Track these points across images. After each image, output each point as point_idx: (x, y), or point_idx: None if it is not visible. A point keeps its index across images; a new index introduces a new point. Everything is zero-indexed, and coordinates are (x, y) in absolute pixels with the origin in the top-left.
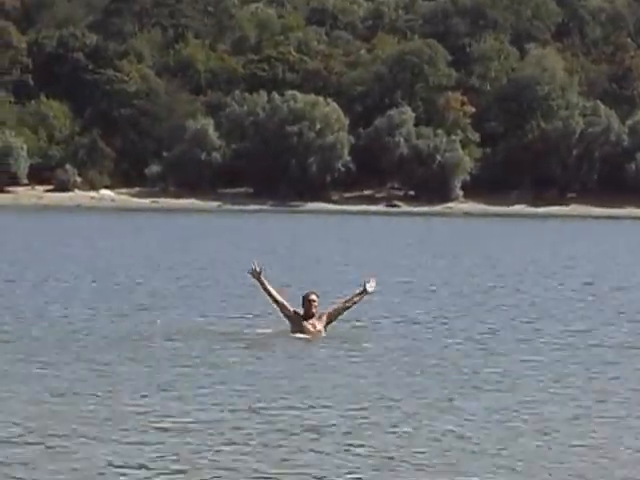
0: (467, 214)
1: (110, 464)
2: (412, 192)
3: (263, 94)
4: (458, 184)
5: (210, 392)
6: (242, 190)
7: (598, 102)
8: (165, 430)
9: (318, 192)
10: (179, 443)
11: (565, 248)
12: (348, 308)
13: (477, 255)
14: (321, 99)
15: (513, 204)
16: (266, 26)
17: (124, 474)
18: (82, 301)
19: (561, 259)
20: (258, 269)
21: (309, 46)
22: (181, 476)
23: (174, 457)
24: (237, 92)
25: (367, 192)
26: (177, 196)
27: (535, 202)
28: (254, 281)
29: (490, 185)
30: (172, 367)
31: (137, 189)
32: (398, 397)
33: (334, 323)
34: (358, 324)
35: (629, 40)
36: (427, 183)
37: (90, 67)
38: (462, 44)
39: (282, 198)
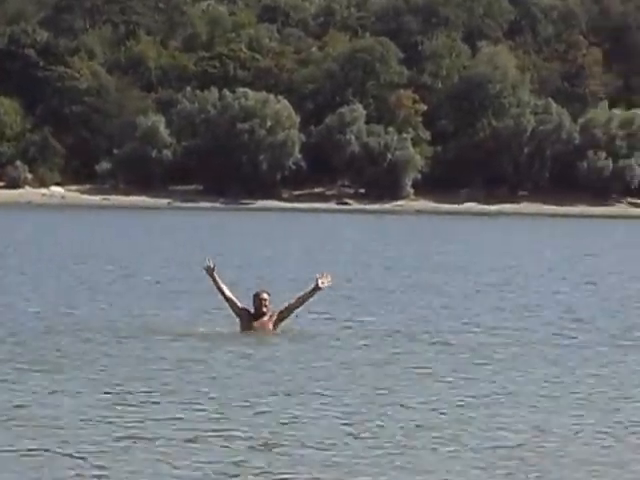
0: (418, 212)
1: None
2: (363, 190)
3: (214, 91)
4: (409, 182)
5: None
6: (193, 187)
7: (550, 100)
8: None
9: (269, 190)
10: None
11: (495, 245)
12: (300, 305)
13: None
14: (272, 97)
15: (464, 202)
16: (217, 23)
17: None
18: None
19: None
20: (212, 266)
21: (260, 43)
22: None
23: None
24: (188, 89)
25: (318, 190)
26: (127, 193)
27: (486, 200)
28: (208, 278)
29: (441, 183)
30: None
31: (88, 186)
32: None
33: (287, 321)
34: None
35: (581, 38)
36: (378, 181)
37: (41, 64)
38: (414, 42)
39: (233, 196)
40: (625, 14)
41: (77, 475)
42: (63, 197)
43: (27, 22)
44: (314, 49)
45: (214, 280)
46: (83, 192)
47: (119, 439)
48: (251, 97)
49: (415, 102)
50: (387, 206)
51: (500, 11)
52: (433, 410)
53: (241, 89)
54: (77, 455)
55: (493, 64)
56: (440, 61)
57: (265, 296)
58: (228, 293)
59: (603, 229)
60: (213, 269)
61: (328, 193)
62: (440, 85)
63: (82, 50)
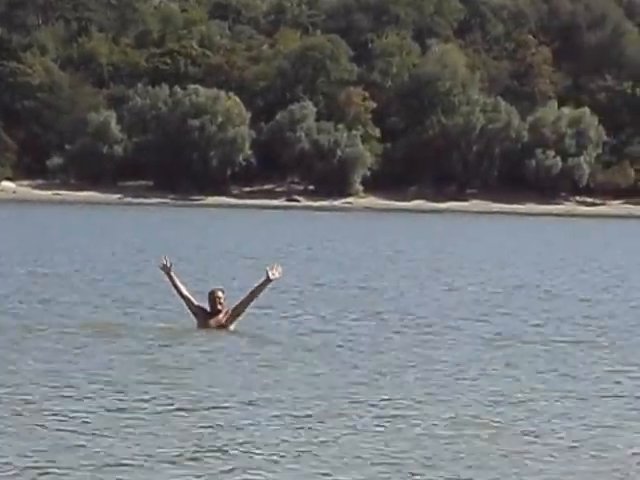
0: (367, 209)
1: None
2: (312, 187)
3: (165, 88)
4: (358, 179)
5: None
6: (143, 183)
7: (499, 98)
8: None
9: (219, 186)
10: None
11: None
12: (253, 299)
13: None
14: (223, 93)
15: (413, 199)
16: (169, 20)
17: None
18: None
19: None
20: (168, 264)
21: (212, 40)
22: None
23: None
24: (140, 85)
25: (268, 186)
26: (78, 189)
27: (435, 198)
28: (164, 276)
29: (390, 180)
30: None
31: (39, 181)
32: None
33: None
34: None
35: (530, 37)
36: (327, 178)
37: None
38: (364, 39)
39: (183, 192)
40: (574, 13)
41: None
42: (14, 192)
43: None
44: (265, 46)
45: (170, 278)
46: (34, 187)
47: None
48: (202, 94)
49: (365, 99)
50: (336, 203)
51: (450, 10)
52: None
53: (192, 86)
54: None
55: (443, 62)
56: (390, 59)
57: (220, 294)
58: (184, 291)
59: (542, 227)
60: (170, 268)
61: (278, 190)
62: (390, 83)
63: (35, 46)
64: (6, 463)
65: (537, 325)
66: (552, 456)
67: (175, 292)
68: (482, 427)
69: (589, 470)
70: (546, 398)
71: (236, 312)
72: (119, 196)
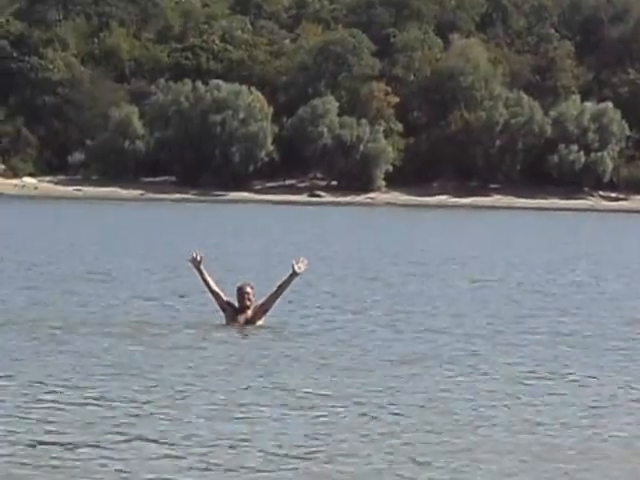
0: (389, 204)
1: None
2: (335, 182)
3: (187, 83)
4: (381, 174)
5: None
6: (165, 179)
7: (521, 93)
8: None
9: (241, 181)
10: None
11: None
12: (280, 293)
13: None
14: (245, 88)
15: (436, 195)
16: (190, 15)
17: None
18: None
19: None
20: (198, 258)
21: (233, 35)
22: None
23: None
24: (161, 81)
25: (290, 182)
26: (100, 184)
27: (458, 193)
28: (194, 270)
29: (413, 175)
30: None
31: (60, 177)
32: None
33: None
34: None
35: (552, 31)
36: (350, 173)
37: (14, 55)
38: (386, 34)
39: (205, 187)
40: (596, 7)
41: None
42: (36, 188)
43: (0, 13)
44: (287, 41)
45: (200, 273)
46: (56, 183)
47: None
48: (224, 89)
49: (387, 94)
50: (359, 198)
51: (472, 4)
52: None
53: (214, 81)
54: None
55: (465, 57)
56: (412, 53)
57: (248, 289)
58: (214, 286)
59: (567, 223)
60: (200, 262)
61: (300, 185)
62: (412, 77)
63: (55, 41)
64: None
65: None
66: None
67: (204, 286)
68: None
69: None
70: None
71: (264, 307)
72: (141, 192)
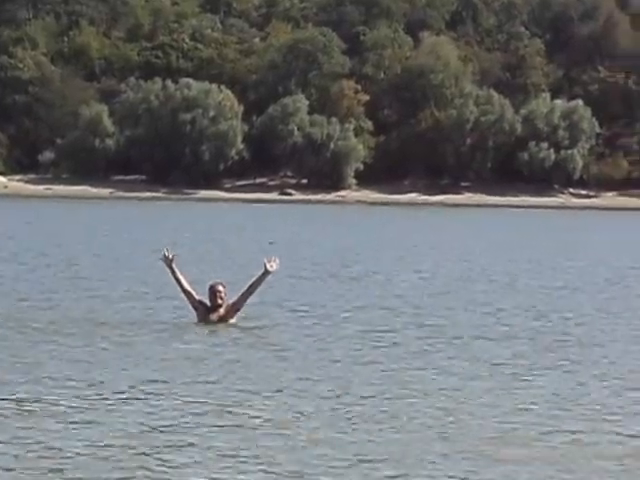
0: (360, 202)
1: None
2: (305, 180)
3: (157, 81)
4: (351, 172)
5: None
6: (135, 177)
7: (492, 91)
8: None
9: (211, 180)
10: None
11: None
12: (252, 292)
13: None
14: (215, 87)
15: (406, 192)
16: (160, 13)
17: None
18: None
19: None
20: (170, 256)
21: (203, 34)
22: None
23: None
24: (131, 79)
25: (260, 180)
26: (70, 183)
27: (428, 191)
28: (166, 268)
29: (383, 173)
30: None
31: (31, 176)
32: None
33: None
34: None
35: (522, 29)
36: (320, 171)
37: None
38: (356, 32)
39: (175, 186)
40: (566, 5)
41: None
42: (6, 187)
43: None
44: (257, 40)
45: (172, 271)
46: (26, 182)
47: None
48: (194, 87)
49: (357, 92)
50: (329, 197)
51: (442, 2)
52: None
53: (184, 79)
54: None
55: (435, 55)
56: (382, 51)
57: (220, 288)
58: (186, 285)
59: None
60: (171, 260)
61: (270, 183)
62: (382, 75)
63: (25, 40)
64: None
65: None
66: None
67: (176, 285)
68: None
69: None
70: None
71: (236, 306)
72: (111, 190)
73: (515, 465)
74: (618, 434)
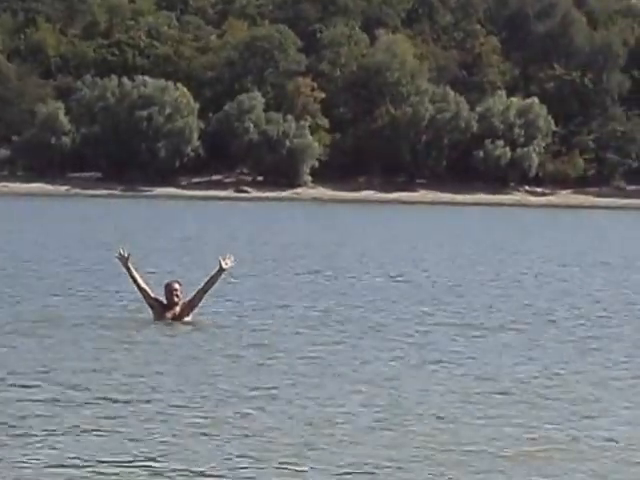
0: (315, 200)
1: None
2: (261, 177)
3: (113, 79)
4: (307, 170)
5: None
6: (91, 175)
7: (448, 88)
8: None
9: (167, 177)
10: None
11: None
12: (208, 289)
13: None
14: (171, 84)
15: (362, 190)
16: (117, 11)
17: None
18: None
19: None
20: (126, 255)
21: (159, 31)
22: None
23: None
24: (87, 77)
25: (216, 177)
26: (26, 180)
27: (384, 188)
28: (121, 267)
29: (339, 171)
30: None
31: None
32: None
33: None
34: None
35: (478, 27)
36: (276, 169)
37: None
38: (312, 30)
39: (131, 183)
40: (522, 2)
41: None
42: None
43: None
44: (213, 37)
45: (128, 269)
46: None
47: None
48: (150, 84)
49: (313, 90)
50: (285, 194)
51: None
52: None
53: (140, 76)
54: None
55: (391, 52)
56: (338, 49)
57: (176, 286)
58: (142, 283)
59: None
60: (127, 258)
61: (227, 181)
62: (338, 73)
63: None
64: None
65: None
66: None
67: (132, 283)
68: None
69: None
70: None
71: (192, 304)
72: (67, 188)
73: None
74: None
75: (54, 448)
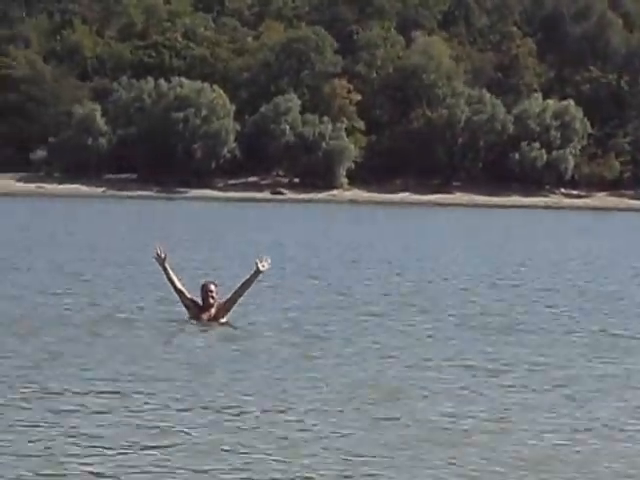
0: (351, 202)
1: None
2: (297, 179)
3: (149, 80)
4: (343, 172)
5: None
6: (127, 176)
7: (484, 91)
8: None
9: (203, 179)
10: None
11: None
12: (244, 291)
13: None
14: (207, 86)
15: (398, 192)
16: (153, 12)
17: None
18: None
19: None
20: (162, 255)
21: (196, 33)
22: None
23: None
24: (124, 78)
25: (252, 179)
26: (62, 181)
27: (420, 190)
28: (158, 267)
29: (375, 173)
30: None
31: (22, 174)
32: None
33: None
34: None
35: (515, 29)
36: (312, 170)
37: None
38: (349, 31)
39: (167, 184)
40: (558, 4)
41: None
42: None
43: None
44: (249, 39)
45: (164, 270)
46: (17, 180)
47: None
48: (186, 86)
49: (350, 92)
50: (321, 196)
51: (434, 1)
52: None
53: (176, 78)
54: None
55: (427, 54)
56: (375, 51)
57: (212, 287)
58: (178, 284)
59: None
60: (164, 259)
61: (262, 182)
62: (374, 75)
63: (18, 38)
64: None
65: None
66: None
67: (168, 283)
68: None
69: None
70: None
71: (227, 305)
72: (103, 189)
73: None
74: None
75: None
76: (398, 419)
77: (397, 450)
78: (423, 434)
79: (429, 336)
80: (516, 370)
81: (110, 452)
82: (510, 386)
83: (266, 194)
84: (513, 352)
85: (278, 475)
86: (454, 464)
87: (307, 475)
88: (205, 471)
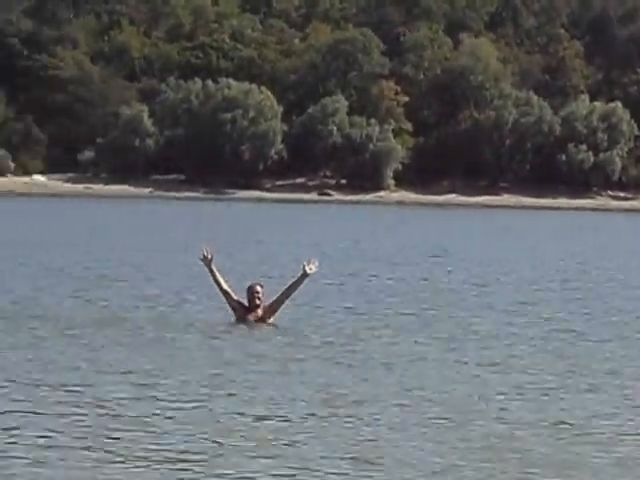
0: (399, 203)
1: None
2: (344, 181)
3: (197, 81)
4: (390, 173)
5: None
6: (175, 177)
7: (531, 93)
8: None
9: (251, 180)
10: None
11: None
12: (290, 294)
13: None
14: (255, 87)
15: (445, 193)
16: (200, 13)
17: None
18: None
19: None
20: (209, 256)
21: (243, 34)
22: None
23: None
24: (171, 79)
25: (299, 180)
26: (110, 182)
27: (467, 192)
28: (205, 268)
29: (422, 174)
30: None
31: (70, 175)
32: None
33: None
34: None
35: (562, 31)
36: (359, 172)
37: (25, 53)
38: (396, 33)
39: (214, 185)
40: (605, 6)
41: None
42: (46, 186)
43: (11, 12)
44: (296, 40)
45: (211, 271)
46: (65, 181)
47: None
48: (233, 87)
49: (397, 93)
50: (368, 197)
51: (482, 3)
52: None
53: (224, 79)
54: None
55: (475, 56)
56: (422, 52)
57: (258, 289)
58: (224, 286)
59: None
60: (210, 260)
61: (310, 184)
62: (422, 76)
63: (66, 39)
64: None
65: None
66: None
67: (215, 285)
68: None
69: None
70: None
71: (274, 307)
72: (150, 190)
73: None
74: None
75: None
76: None
77: None
78: None
79: None
80: None
81: None
82: None
83: (313, 195)
84: None
85: None
86: None
87: None
88: None
